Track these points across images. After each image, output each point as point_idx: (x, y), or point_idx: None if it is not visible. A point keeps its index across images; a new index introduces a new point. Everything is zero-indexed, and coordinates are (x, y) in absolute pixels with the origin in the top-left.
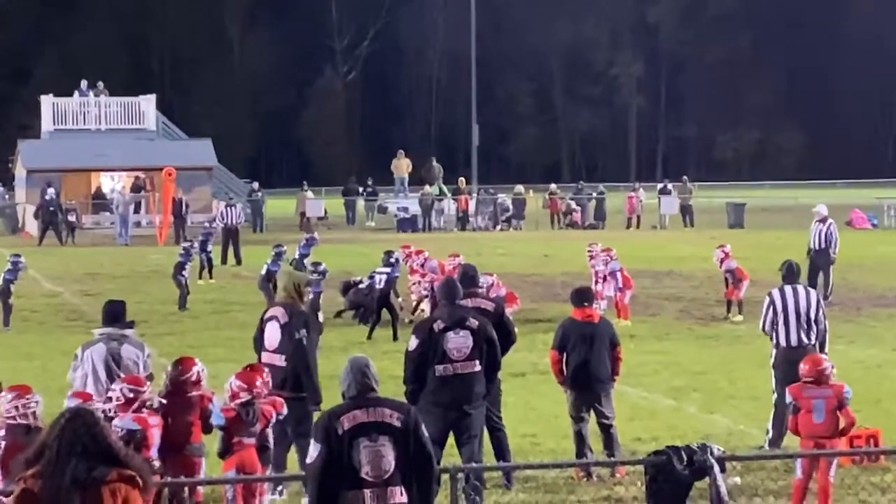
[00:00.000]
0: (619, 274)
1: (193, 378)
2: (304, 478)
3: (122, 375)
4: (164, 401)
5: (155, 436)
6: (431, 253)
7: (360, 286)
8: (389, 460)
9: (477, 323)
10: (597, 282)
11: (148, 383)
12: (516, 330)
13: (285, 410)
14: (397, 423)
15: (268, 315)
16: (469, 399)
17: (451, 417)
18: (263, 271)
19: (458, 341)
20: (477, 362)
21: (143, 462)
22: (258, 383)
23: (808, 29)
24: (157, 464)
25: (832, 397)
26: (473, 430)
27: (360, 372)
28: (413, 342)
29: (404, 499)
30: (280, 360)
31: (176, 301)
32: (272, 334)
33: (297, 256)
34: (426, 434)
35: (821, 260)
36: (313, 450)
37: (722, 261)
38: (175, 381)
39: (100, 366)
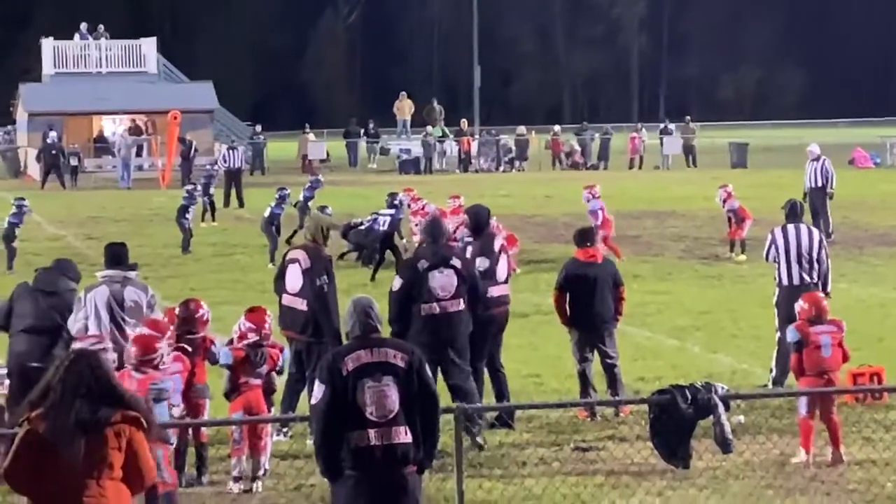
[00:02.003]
0: (600, 213)
1: (204, 318)
2: (309, 418)
3: (126, 318)
4: (188, 347)
5: (177, 381)
6: (433, 195)
7: (361, 227)
8: (394, 400)
9: (460, 262)
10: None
11: (171, 327)
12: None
13: (281, 360)
14: (401, 364)
15: (290, 257)
16: (454, 336)
17: (437, 354)
18: (266, 214)
19: (443, 280)
20: (461, 300)
21: (146, 404)
22: (267, 325)
23: None
24: (177, 410)
25: (836, 332)
26: (461, 362)
27: (364, 313)
28: (397, 282)
29: (409, 438)
30: (301, 304)
31: (179, 244)
32: (294, 278)
33: (301, 199)
34: (430, 373)
35: (818, 198)
36: (318, 390)
37: (725, 200)
38: (186, 318)
39: (102, 308)
